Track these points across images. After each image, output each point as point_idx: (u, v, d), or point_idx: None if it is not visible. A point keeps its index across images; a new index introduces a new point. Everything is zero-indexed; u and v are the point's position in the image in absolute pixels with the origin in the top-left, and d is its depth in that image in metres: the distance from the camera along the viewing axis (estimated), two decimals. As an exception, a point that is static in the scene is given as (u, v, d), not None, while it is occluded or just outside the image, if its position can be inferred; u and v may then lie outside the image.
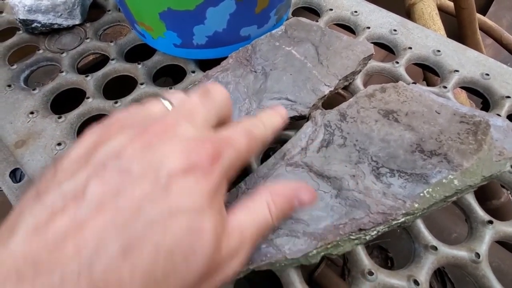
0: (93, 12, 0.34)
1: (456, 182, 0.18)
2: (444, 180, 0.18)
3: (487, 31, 0.68)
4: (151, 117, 0.13)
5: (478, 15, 0.66)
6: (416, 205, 0.18)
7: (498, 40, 0.67)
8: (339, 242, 0.16)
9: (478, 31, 0.61)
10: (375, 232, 0.17)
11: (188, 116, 0.13)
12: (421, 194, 0.18)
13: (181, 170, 0.11)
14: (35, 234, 0.10)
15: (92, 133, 0.13)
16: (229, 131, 0.14)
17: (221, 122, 0.15)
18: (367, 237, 0.17)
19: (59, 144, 0.24)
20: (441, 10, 0.66)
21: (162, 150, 0.12)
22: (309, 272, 0.34)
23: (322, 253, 0.16)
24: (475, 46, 0.62)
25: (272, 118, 0.17)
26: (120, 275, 0.10)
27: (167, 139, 0.12)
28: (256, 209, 0.14)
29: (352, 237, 0.16)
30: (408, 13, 0.52)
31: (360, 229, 0.16)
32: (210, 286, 0.12)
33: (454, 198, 0.19)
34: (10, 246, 0.10)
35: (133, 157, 0.11)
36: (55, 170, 0.12)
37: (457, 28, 0.59)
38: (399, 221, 0.18)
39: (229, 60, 0.25)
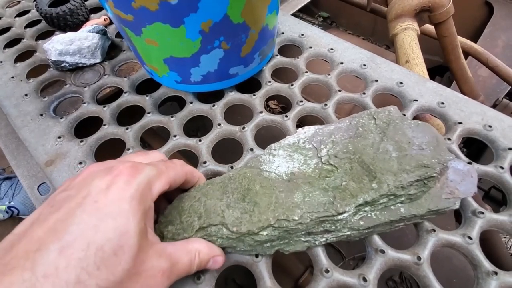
0: (111, 51, 0.41)
1: (402, 210, 0.22)
2: (392, 207, 0.22)
3: (474, 55, 0.72)
4: (97, 163, 0.19)
5: (465, 40, 0.71)
6: (362, 223, 0.21)
7: (485, 63, 0.71)
8: (291, 241, 0.20)
9: (462, 56, 0.65)
10: (323, 239, 0.21)
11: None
12: (369, 215, 0.22)
13: (105, 185, 0.15)
14: (1, 249, 0.14)
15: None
16: (155, 162, 0.19)
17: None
18: (317, 242, 0.21)
19: (80, 163, 0.29)
20: (427, 35, 0.71)
21: (94, 177, 0.16)
22: (294, 279, 0.37)
23: (276, 247, 0.20)
24: (460, 70, 0.66)
25: (190, 169, 0.21)
26: (56, 266, 0.13)
27: (102, 173, 0.16)
28: (190, 252, 0.18)
29: (302, 239, 0.20)
30: (392, 42, 0.57)
31: (309, 233, 0.20)
32: None
33: (402, 224, 0.23)
34: None
35: (73, 187, 0.16)
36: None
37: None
38: (345, 233, 0.21)
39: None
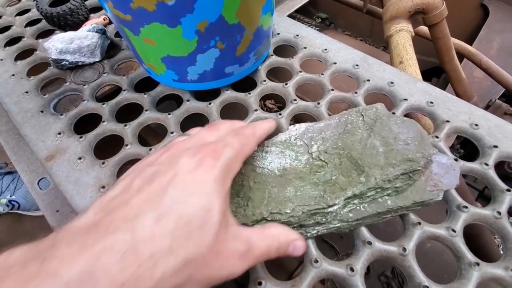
0: (110, 50, 0.42)
1: (389, 202, 0.23)
2: (379, 199, 0.23)
3: (468, 57, 0.73)
4: (178, 142, 0.20)
5: (459, 42, 0.72)
6: (351, 215, 0.22)
7: (478, 65, 0.72)
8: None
9: (456, 57, 0.66)
10: (315, 231, 0.22)
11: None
12: (357, 207, 0.23)
13: (193, 166, 0.17)
14: (100, 210, 0.15)
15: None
16: (227, 136, 0.20)
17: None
18: (308, 234, 0.22)
19: (79, 158, 0.30)
20: (422, 36, 0.72)
21: (180, 156, 0.18)
22: (288, 273, 0.38)
23: None
24: (454, 72, 0.67)
25: (262, 124, 0.23)
26: (153, 233, 0.14)
27: (184, 150, 0.18)
28: (267, 237, 0.19)
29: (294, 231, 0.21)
30: (386, 43, 0.59)
31: (301, 225, 0.21)
32: (212, 272, 0.16)
33: (389, 216, 0.24)
34: (82, 218, 0.15)
35: (161, 162, 0.18)
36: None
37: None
38: (335, 225, 0.22)
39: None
